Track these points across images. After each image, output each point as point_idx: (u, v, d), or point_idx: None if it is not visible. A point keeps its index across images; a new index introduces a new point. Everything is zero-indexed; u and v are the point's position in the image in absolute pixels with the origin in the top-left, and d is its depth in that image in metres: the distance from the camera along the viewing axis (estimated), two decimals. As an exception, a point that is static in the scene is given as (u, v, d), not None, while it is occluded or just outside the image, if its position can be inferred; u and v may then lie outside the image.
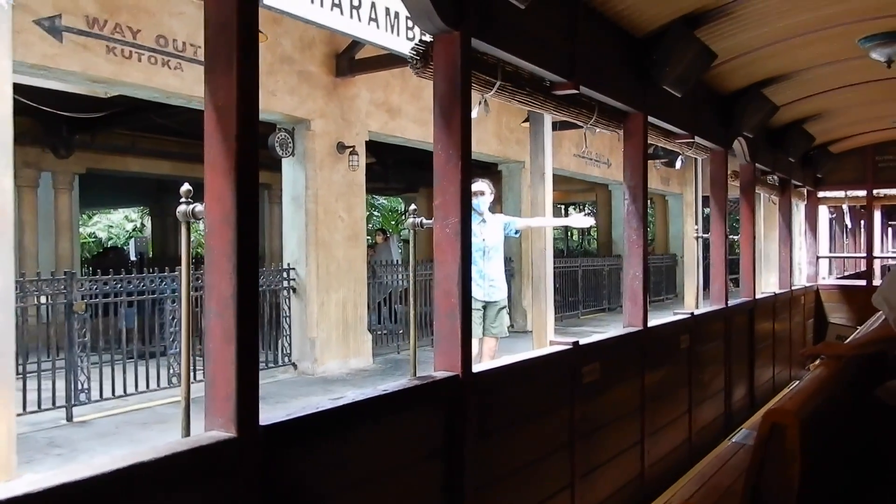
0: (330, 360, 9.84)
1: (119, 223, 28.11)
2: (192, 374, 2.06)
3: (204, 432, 1.75)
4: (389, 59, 9.02)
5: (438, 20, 2.48)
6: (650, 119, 4.26)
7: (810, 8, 4.11)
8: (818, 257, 9.59)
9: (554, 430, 3.23)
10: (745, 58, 4.77)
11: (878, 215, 16.13)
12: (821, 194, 9.46)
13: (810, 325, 8.64)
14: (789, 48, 4.73)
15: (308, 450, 1.95)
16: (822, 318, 8.92)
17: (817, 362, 3.25)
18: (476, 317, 5.82)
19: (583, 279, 16.86)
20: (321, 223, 9.85)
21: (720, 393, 5.42)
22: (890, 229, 22.21)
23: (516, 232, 6.59)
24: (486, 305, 6.15)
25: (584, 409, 3.40)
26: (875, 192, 9.19)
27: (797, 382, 3.79)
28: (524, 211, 12.99)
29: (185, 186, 1.95)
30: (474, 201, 5.55)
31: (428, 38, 2.63)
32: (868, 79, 5.54)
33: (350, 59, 9.86)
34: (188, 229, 1.95)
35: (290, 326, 9.67)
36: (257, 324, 1.79)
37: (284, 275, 9.71)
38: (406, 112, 10.85)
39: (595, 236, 30.73)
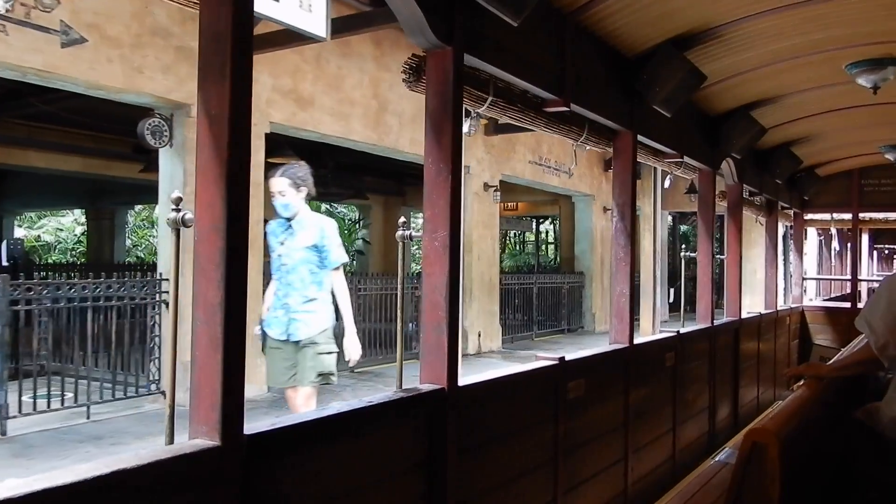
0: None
1: (69, 226, 26.37)
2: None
3: (188, 440, 1.75)
4: (292, 36, 6.83)
5: (431, 35, 2.51)
6: (639, 138, 4.30)
7: (799, 33, 4.18)
8: (804, 279, 9.67)
9: (538, 446, 3.24)
10: (734, 80, 4.83)
11: (865, 238, 16.30)
12: (807, 216, 9.56)
13: (795, 346, 8.70)
14: (777, 72, 4.80)
15: (291, 460, 1.95)
16: (806, 339, 8.98)
17: (801, 383, 3.28)
18: (277, 359, 4.57)
19: (538, 297, 15.33)
20: (204, 228, 9.22)
21: (704, 412, 5.44)
22: (876, 252, 22.43)
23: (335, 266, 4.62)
24: (289, 345, 4.53)
25: (569, 425, 3.41)
26: (860, 215, 9.31)
27: (780, 402, 3.81)
28: (468, 221, 12.34)
29: (176, 194, 1.95)
30: (276, 202, 4.55)
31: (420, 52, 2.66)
32: (854, 104, 5.62)
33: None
34: (178, 236, 1.95)
35: (159, 348, 7.68)
36: (244, 332, 1.80)
37: (155, 286, 7.75)
38: (321, 103, 9.25)
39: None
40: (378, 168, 15.80)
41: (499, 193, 13.18)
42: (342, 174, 15.75)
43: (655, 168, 9.01)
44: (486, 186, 12.91)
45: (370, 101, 9.86)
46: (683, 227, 26.55)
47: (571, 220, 17.81)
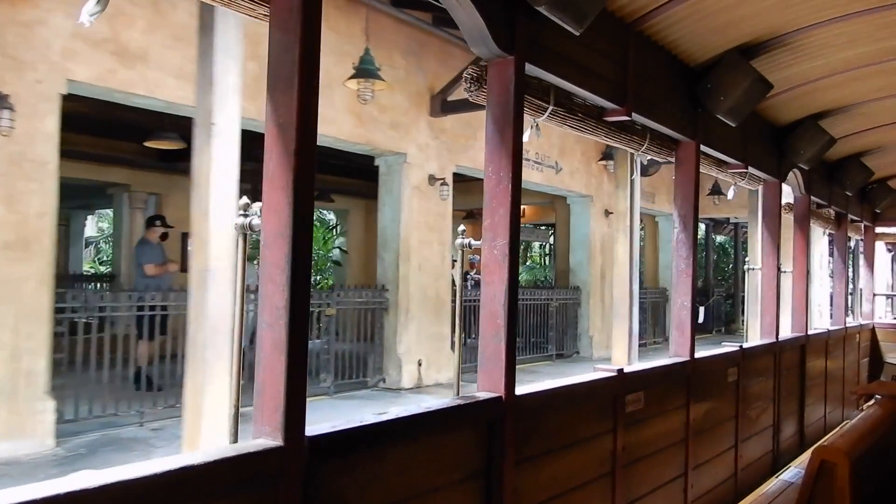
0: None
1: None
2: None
3: (252, 440, 1.79)
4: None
5: (494, 45, 2.53)
6: (703, 148, 4.23)
7: (871, 41, 4.05)
8: (875, 294, 9.30)
9: (595, 458, 3.19)
10: (802, 89, 4.71)
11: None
12: (878, 230, 9.20)
13: (865, 364, 8.37)
14: (847, 80, 4.66)
15: (350, 463, 1.98)
16: (877, 357, 8.63)
17: (871, 402, 3.16)
18: None
19: (521, 317, 12.56)
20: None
21: (768, 429, 5.28)
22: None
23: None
24: None
25: (627, 438, 3.36)
26: (936, 229, 8.92)
27: (850, 422, 3.67)
28: (404, 222, 10.15)
29: (244, 199, 2.01)
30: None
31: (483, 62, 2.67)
32: None
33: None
34: (245, 241, 2.01)
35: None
36: (307, 335, 1.84)
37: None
38: (161, 61, 7.07)
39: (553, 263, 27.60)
40: (358, 167, 12.40)
41: (447, 188, 10.61)
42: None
43: (630, 152, 7.67)
44: (432, 180, 10.45)
45: (246, 62, 7.62)
46: (719, 238, 23.76)
47: (567, 225, 15.00)
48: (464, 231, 2.71)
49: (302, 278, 1.80)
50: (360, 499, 2.02)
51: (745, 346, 4.89)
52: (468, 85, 2.67)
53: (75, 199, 14.75)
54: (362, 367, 9.97)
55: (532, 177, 12.42)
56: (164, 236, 10.10)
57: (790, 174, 5.84)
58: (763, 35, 3.84)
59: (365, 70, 8.23)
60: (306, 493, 1.81)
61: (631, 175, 8.23)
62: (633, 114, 3.46)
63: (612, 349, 8.76)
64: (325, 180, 14.40)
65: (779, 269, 5.72)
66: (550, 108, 3.01)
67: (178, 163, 13.06)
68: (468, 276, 17.53)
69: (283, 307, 1.77)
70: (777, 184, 5.64)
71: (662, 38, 3.66)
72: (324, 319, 9.56)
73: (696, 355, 4.10)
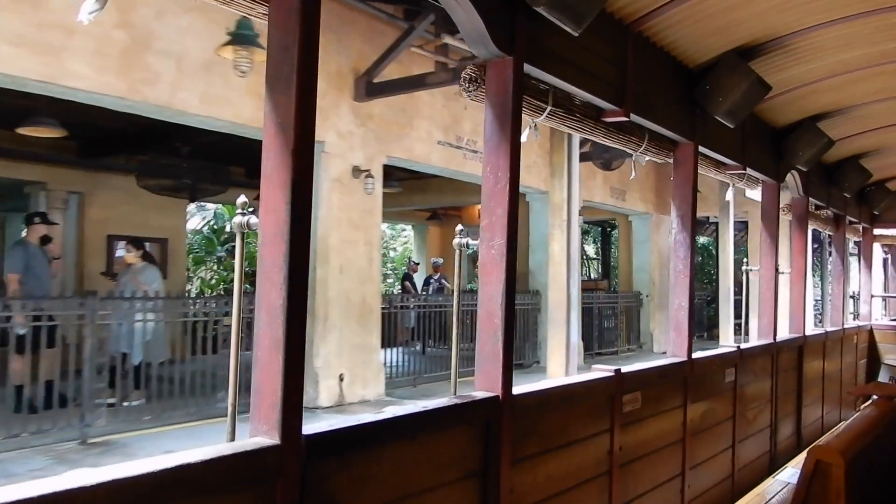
0: None
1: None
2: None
3: (249, 438, 1.80)
4: None
5: (493, 45, 2.54)
6: (701, 149, 4.24)
7: (869, 43, 4.06)
8: (872, 296, 9.31)
9: (592, 458, 3.20)
10: (801, 91, 4.71)
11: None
12: (877, 231, 9.21)
13: (863, 366, 8.38)
14: (846, 82, 4.67)
15: (346, 462, 1.99)
16: (875, 358, 8.64)
17: (868, 403, 3.16)
18: None
19: (463, 325, 11.37)
20: None
21: (765, 430, 5.29)
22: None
23: None
24: None
25: (624, 438, 3.36)
26: (935, 231, 8.93)
27: (846, 422, 3.68)
28: (322, 218, 8.86)
29: (242, 198, 2.02)
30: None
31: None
32: None
33: None
34: (242, 240, 2.01)
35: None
36: (304, 334, 1.84)
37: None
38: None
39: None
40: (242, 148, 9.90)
41: (374, 181, 9.38)
42: (198, 161, 11.94)
43: (568, 135, 6.37)
44: (357, 172, 9.22)
45: (112, 31, 6.68)
46: (702, 239, 22.58)
47: (526, 225, 14.08)
48: (462, 230, 2.71)
49: (299, 277, 1.81)
50: (357, 497, 2.03)
51: (743, 346, 4.90)
52: (466, 84, 2.67)
53: (8, 200, 13.76)
54: None
55: (469, 167, 11.00)
56: (45, 239, 8.41)
57: (788, 176, 5.85)
58: (761, 37, 3.85)
59: (241, 36, 7.00)
60: (303, 491, 1.82)
61: (568, 161, 7.33)
62: (632, 115, 3.47)
63: (547, 360, 7.50)
64: (237, 173, 13.47)
65: (777, 270, 5.73)
66: (549, 108, 3.02)
67: (102, 158, 12.04)
68: (430, 280, 16.85)
69: (281, 306, 1.78)
70: (775, 185, 5.65)
71: (661, 40, 3.67)
72: (224, 329, 8.34)
73: (694, 356, 4.11)
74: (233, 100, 7.72)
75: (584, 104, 3.34)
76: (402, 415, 2.19)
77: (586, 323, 14.25)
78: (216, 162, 12.45)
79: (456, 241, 2.69)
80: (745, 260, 9.14)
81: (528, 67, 2.72)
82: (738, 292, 14.62)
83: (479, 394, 2.56)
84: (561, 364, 7.08)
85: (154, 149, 11.84)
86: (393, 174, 13.42)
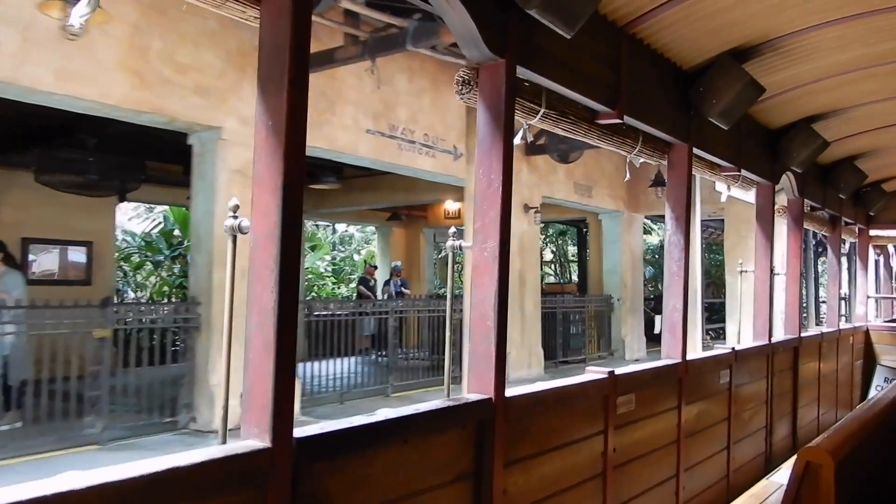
0: None
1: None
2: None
3: (240, 441, 1.80)
4: None
5: (485, 48, 2.54)
6: (695, 150, 4.24)
7: (863, 44, 4.06)
8: (868, 297, 9.33)
9: (586, 460, 3.21)
10: (795, 92, 4.72)
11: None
12: (872, 232, 9.23)
13: (859, 367, 8.39)
14: (841, 84, 4.67)
15: (338, 464, 1.99)
16: (871, 359, 8.65)
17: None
18: None
19: (399, 333, 11.12)
20: None
21: (761, 431, 5.30)
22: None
23: None
24: None
25: (618, 440, 3.37)
26: (931, 232, 8.94)
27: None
28: (220, 215, 7.77)
29: (233, 201, 2.02)
30: None
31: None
32: None
33: None
34: (234, 242, 2.02)
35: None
36: (296, 336, 1.85)
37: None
38: None
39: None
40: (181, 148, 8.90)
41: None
42: (108, 155, 10.75)
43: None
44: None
45: None
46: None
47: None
48: (455, 232, 2.72)
49: (291, 280, 1.81)
50: (349, 500, 2.03)
51: (738, 348, 4.90)
52: (459, 87, 2.68)
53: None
54: (167, 404, 8.03)
55: (421, 163, 10.15)
56: None
57: (784, 177, 5.86)
58: (755, 38, 3.85)
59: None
60: (294, 493, 1.82)
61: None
62: (626, 117, 3.47)
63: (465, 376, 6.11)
64: (159, 169, 12.21)
65: (772, 271, 5.74)
66: (542, 110, 3.02)
67: (12, 155, 11.01)
68: (388, 282, 16.21)
69: (272, 308, 1.78)
70: (770, 186, 5.66)
71: (655, 42, 3.68)
72: (93, 343, 7.25)
73: (688, 357, 4.11)
74: (99, 77, 6.78)
75: (578, 106, 3.35)
76: (394, 417, 2.20)
77: (548, 329, 13.63)
78: (128, 156, 11.26)
79: (449, 243, 2.70)
80: (740, 262, 9.17)
81: (521, 70, 2.73)
82: (718, 294, 14.08)
83: (472, 396, 2.57)
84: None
85: (58, 142, 10.48)
86: (342, 170, 12.42)
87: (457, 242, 2.71)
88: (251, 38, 7.57)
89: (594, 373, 3.31)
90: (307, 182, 7.94)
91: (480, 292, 2.60)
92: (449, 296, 2.82)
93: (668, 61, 3.90)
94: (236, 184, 8.04)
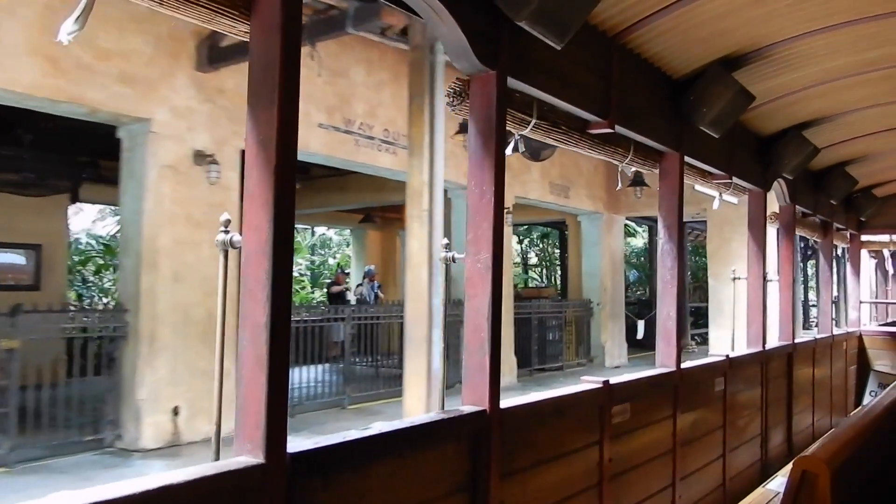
0: None
1: None
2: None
3: (233, 457, 1.79)
4: None
5: (476, 60, 2.54)
6: (687, 159, 4.26)
7: (852, 52, 4.09)
8: (861, 302, 9.36)
9: (582, 471, 3.19)
10: (785, 99, 4.75)
11: (926, 260, 15.66)
12: (864, 238, 9.27)
13: (853, 372, 8.41)
14: (830, 91, 4.70)
15: (332, 479, 1.97)
16: (865, 364, 8.67)
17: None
18: None
19: (358, 339, 10.60)
20: None
21: (756, 439, 5.29)
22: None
23: None
24: None
25: (614, 450, 3.36)
26: (921, 237, 8.99)
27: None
28: (149, 213, 7.50)
29: (225, 216, 2.01)
30: None
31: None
32: None
33: None
34: (226, 258, 2.01)
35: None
36: (288, 352, 1.83)
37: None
38: None
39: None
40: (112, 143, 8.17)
41: (218, 168, 7.84)
42: (44, 152, 10.03)
43: (433, 90, 5.45)
44: (201, 157, 7.72)
45: None
46: (640, 242, 21.42)
47: (449, 224, 11.42)
48: (447, 244, 2.71)
49: (283, 295, 1.80)
50: None
51: (732, 355, 4.90)
52: (450, 99, 2.68)
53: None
54: (89, 421, 7.40)
55: (380, 160, 9.53)
56: None
57: (775, 184, 5.89)
58: (745, 47, 3.87)
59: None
60: None
61: (431, 134, 5.57)
62: (617, 126, 3.48)
63: (404, 393, 5.85)
64: (98, 166, 11.19)
65: (765, 277, 5.75)
66: (533, 121, 3.03)
67: None
68: (360, 285, 15.77)
69: (265, 324, 1.77)
70: (762, 193, 5.68)
71: (645, 51, 3.69)
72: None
73: (683, 365, 4.11)
74: (4, 62, 6.24)
75: (570, 116, 3.35)
76: (388, 431, 2.18)
77: (522, 336, 13.18)
78: (77, 154, 10.60)
79: (441, 254, 2.69)
80: (733, 269, 9.01)
81: (512, 81, 2.73)
82: (705, 298, 13.85)
83: (467, 408, 2.55)
84: (420, 397, 5.57)
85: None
86: (309, 170, 11.65)
87: (450, 254, 2.71)
88: (185, 23, 7.32)
89: (589, 382, 3.31)
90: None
91: (475, 303, 2.59)
92: (444, 306, 2.82)
93: (659, 70, 3.91)
94: (167, 180, 7.50)
